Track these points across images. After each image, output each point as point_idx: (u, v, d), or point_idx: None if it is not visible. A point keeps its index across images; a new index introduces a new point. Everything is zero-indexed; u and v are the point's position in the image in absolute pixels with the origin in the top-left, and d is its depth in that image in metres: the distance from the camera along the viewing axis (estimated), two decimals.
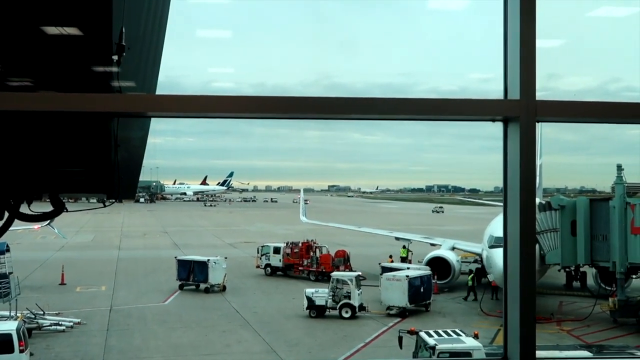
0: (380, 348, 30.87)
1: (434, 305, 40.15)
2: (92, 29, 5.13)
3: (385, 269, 43.61)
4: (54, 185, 5.85)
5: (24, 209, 6.10)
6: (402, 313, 37.70)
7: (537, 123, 4.43)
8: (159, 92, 6.59)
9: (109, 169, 5.63)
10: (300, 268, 51.34)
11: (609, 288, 38.18)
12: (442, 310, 39.93)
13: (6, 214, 5.99)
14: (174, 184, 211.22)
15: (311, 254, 52.00)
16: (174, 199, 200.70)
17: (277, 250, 52.37)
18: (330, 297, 37.43)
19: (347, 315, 37.13)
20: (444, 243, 53.10)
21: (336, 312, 37.19)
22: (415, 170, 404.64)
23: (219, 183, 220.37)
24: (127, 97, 5.46)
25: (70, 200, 7.21)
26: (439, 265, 45.57)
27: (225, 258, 47.18)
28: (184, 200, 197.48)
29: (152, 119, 6.39)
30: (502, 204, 4.81)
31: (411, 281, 38.23)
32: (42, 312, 34.47)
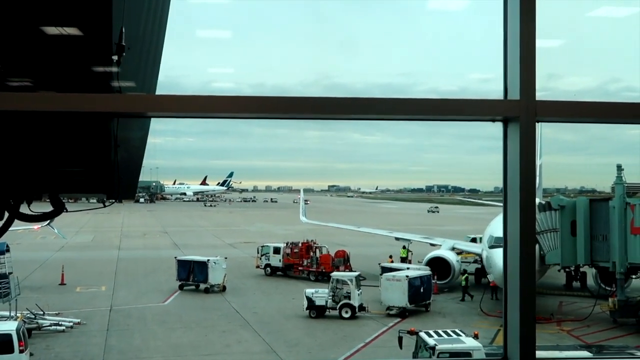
0: (380, 348, 30.87)
1: (434, 306, 40.15)
2: (92, 29, 5.13)
3: (385, 269, 43.63)
4: (54, 185, 5.85)
5: (23, 209, 6.10)
6: (402, 313, 37.70)
7: (537, 123, 4.43)
8: (158, 92, 6.59)
9: (108, 169, 5.63)
10: (300, 268, 51.33)
11: (609, 288, 38.18)
12: (442, 310, 39.93)
13: (6, 214, 5.99)
14: (174, 184, 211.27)
15: (311, 254, 51.99)
16: (173, 199, 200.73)
17: (277, 251, 52.38)
18: (330, 297, 37.42)
19: (347, 316, 37.13)
20: (444, 243, 53.12)
21: (336, 312, 37.19)
22: (415, 170, 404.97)
23: (218, 183, 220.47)
24: (127, 97, 5.46)
25: (70, 201, 7.20)
26: (438, 265, 45.56)
27: (225, 258, 47.19)
28: (184, 201, 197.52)
29: (152, 119, 6.39)
30: (501, 204, 4.81)
31: (411, 281, 38.24)
32: (42, 313, 34.47)
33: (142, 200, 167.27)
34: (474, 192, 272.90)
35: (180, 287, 45.03)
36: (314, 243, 53.59)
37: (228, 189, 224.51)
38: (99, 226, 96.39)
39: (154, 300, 41.77)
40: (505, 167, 4.64)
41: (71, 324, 33.75)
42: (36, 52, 5.27)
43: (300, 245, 53.06)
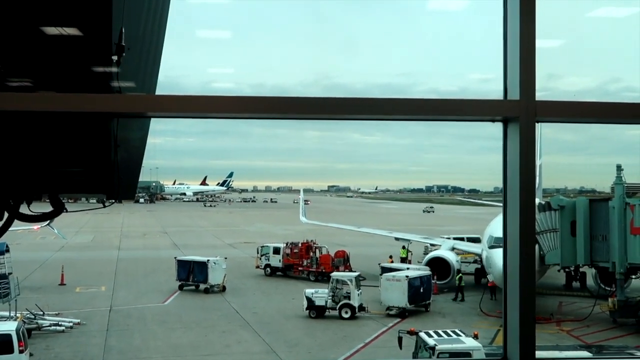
0: (380, 348, 30.87)
1: (434, 306, 40.16)
2: (92, 29, 5.13)
3: (385, 269, 43.63)
4: (54, 185, 5.84)
5: (23, 209, 6.10)
6: (402, 313, 37.71)
7: (536, 123, 4.43)
8: (158, 92, 6.59)
9: (108, 169, 5.63)
10: (300, 268, 51.34)
11: (609, 288, 38.19)
12: (441, 310, 39.94)
13: (6, 215, 5.98)
14: (174, 184, 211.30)
15: (311, 254, 51.99)
16: (173, 200, 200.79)
17: (276, 251, 52.38)
18: (330, 297, 37.43)
19: (346, 316, 37.14)
20: (444, 243, 53.14)
21: (336, 313, 37.20)
22: (415, 170, 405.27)
23: (218, 183, 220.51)
24: (127, 97, 5.46)
25: (70, 201, 7.20)
26: (438, 265, 45.57)
27: (225, 258, 47.19)
28: (184, 201, 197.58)
29: (152, 119, 6.39)
30: (501, 204, 4.81)
31: (411, 281, 38.24)
32: (41, 313, 34.46)
33: (142, 200, 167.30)
34: (474, 192, 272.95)
35: (180, 288, 45.04)
36: (314, 243, 53.59)
37: (228, 189, 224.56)
38: (99, 226, 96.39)
39: (154, 300, 41.77)
40: (505, 167, 4.64)
41: (71, 324, 33.75)
42: (36, 52, 5.27)
43: (300, 245, 53.06)
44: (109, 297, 42.26)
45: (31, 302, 36.07)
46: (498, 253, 35.86)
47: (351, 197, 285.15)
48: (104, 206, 8.25)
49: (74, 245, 70.33)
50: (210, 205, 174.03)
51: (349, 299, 37.42)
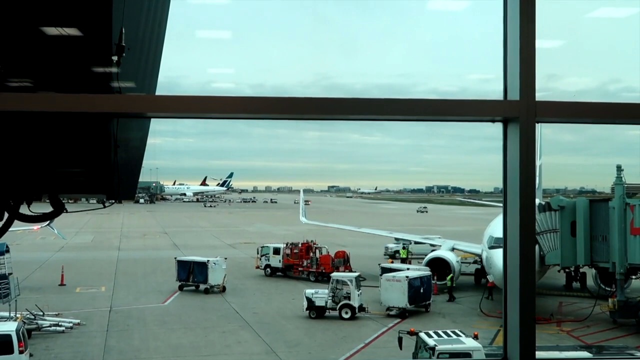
0: (380, 349, 30.86)
1: (434, 306, 40.14)
2: (92, 29, 5.13)
3: (385, 270, 43.60)
4: (54, 185, 5.85)
5: (23, 209, 6.10)
6: (402, 314, 37.69)
7: (536, 123, 4.43)
8: (158, 92, 6.60)
9: (108, 169, 5.63)
10: (300, 269, 51.31)
11: (609, 289, 38.19)
12: (441, 310, 39.92)
13: (6, 215, 5.99)
14: (174, 184, 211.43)
15: (311, 254, 51.97)
16: (173, 200, 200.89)
17: (276, 251, 52.36)
18: (330, 297, 37.41)
19: (346, 316, 37.12)
20: (444, 244, 53.14)
21: (336, 313, 37.18)
22: (415, 170, 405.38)
23: (218, 184, 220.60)
24: (127, 97, 5.46)
25: (70, 201, 7.20)
26: (438, 266, 45.55)
27: (225, 259, 47.18)
28: (184, 201, 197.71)
29: (152, 120, 6.39)
30: (501, 204, 4.81)
31: (411, 282, 38.22)
32: (41, 313, 34.45)
33: (142, 200, 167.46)
34: (474, 192, 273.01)
35: (180, 288, 45.02)
36: (314, 244, 53.58)
37: (228, 189, 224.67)
38: (99, 227, 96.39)
39: (154, 300, 41.76)
40: (505, 167, 4.64)
41: (71, 324, 33.74)
42: (36, 52, 5.27)
43: (300, 245, 53.05)
44: (109, 298, 42.25)
45: (31, 302, 36.06)
46: (498, 253, 35.87)
47: (350, 197, 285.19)
48: (104, 206, 8.27)
49: (74, 245, 70.33)
50: (210, 206, 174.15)
51: (349, 300, 37.41)
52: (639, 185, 54.52)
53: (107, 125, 5.46)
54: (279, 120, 4.76)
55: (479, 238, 47.09)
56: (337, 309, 37.26)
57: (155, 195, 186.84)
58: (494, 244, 38.71)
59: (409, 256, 56.99)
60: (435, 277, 42.93)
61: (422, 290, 38.96)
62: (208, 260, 44.98)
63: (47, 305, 36.44)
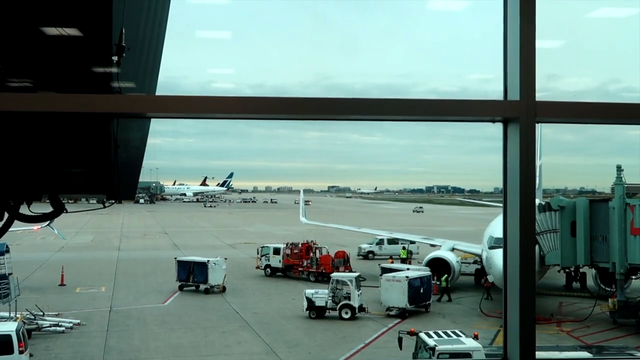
0: (380, 349, 30.86)
1: (434, 306, 40.14)
2: (92, 29, 5.13)
3: (385, 270, 43.60)
4: (54, 186, 5.85)
5: (23, 209, 6.10)
6: (402, 314, 37.68)
7: (536, 124, 4.43)
8: (158, 92, 6.60)
9: (108, 169, 5.63)
10: (300, 269, 51.29)
11: (609, 289, 38.17)
12: (441, 311, 39.91)
13: (6, 215, 5.99)
14: (174, 184, 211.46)
15: (311, 254, 51.96)
16: (173, 200, 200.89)
17: (277, 251, 52.35)
18: (330, 298, 37.40)
19: (346, 316, 37.11)
20: (444, 244, 53.13)
21: (336, 313, 37.17)
22: (415, 171, 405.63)
23: (218, 184, 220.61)
24: (127, 97, 5.46)
25: (70, 201, 7.20)
26: (438, 266, 45.54)
27: (225, 259, 47.16)
28: (184, 201, 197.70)
29: (152, 120, 6.39)
30: (501, 205, 4.81)
31: (411, 282, 38.22)
32: (41, 313, 34.44)
33: (142, 200, 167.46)
34: (474, 192, 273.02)
35: (180, 288, 45.02)
36: (314, 244, 53.57)
37: (228, 189, 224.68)
38: (99, 227, 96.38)
39: (154, 301, 41.76)
40: (505, 167, 4.64)
41: (71, 324, 33.73)
42: (36, 52, 5.27)
43: (300, 246, 53.03)
44: (109, 298, 42.25)
45: (31, 302, 36.05)
46: (498, 253, 35.86)
47: (350, 197, 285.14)
48: (104, 207, 8.27)
49: (74, 245, 70.32)
50: (211, 206, 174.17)
51: (349, 300, 37.40)
52: (639, 185, 54.49)
53: (107, 125, 5.46)
54: (279, 120, 4.76)
55: (478, 238, 47.08)
56: (337, 309, 37.25)
57: (155, 195, 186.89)
58: (494, 244, 38.70)
59: (409, 257, 57.05)
60: (435, 277, 42.93)
61: (422, 291, 38.95)
62: (208, 261, 44.97)
63: (47, 305, 36.43)
